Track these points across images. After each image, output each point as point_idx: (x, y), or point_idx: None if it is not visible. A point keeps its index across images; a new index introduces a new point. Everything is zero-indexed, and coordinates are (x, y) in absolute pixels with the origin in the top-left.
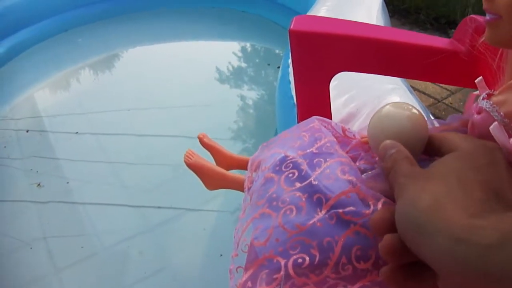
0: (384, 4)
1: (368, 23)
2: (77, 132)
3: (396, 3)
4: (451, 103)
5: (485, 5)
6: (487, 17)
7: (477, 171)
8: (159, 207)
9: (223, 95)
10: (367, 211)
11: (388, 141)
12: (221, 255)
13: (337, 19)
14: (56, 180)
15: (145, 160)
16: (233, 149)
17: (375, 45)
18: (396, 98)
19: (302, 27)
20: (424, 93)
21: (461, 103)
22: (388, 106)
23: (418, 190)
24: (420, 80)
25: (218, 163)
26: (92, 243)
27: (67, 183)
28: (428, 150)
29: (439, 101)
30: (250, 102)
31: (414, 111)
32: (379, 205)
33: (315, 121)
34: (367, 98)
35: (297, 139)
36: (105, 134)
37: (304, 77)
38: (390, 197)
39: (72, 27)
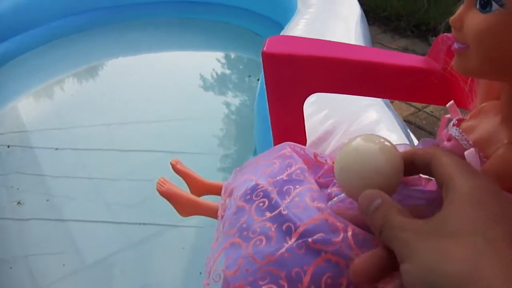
0: (363, 15)
1: (343, 43)
2: (57, 148)
3: (377, 11)
4: (431, 112)
5: (453, 34)
6: (456, 45)
7: (498, 225)
8: (140, 224)
9: (206, 107)
10: (337, 239)
11: (369, 191)
12: (200, 273)
13: (311, 39)
14: (36, 197)
15: (127, 176)
16: (214, 163)
17: (348, 66)
18: (373, 114)
19: (275, 49)
20: (405, 102)
21: (442, 112)
22: (358, 140)
23: (439, 252)
24: (396, 99)
25: (191, 189)
26: (74, 261)
27: (47, 200)
28: (410, 170)
29: (419, 110)
30: (233, 115)
31: (387, 143)
32: (349, 233)
33: (286, 148)
34: (344, 115)
35: (268, 166)
36: (86, 150)
37: (278, 98)
38: (359, 224)
39: (54, 39)
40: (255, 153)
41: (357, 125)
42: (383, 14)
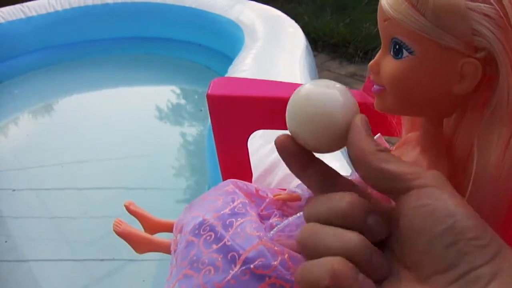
0: (309, 46)
1: (282, 82)
2: (14, 190)
3: (325, 39)
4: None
5: (371, 77)
6: (375, 87)
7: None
8: (101, 260)
9: (161, 142)
10: (275, 262)
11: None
12: None
13: (252, 79)
14: None
15: (85, 214)
16: (171, 198)
17: (287, 104)
18: None
19: (219, 91)
20: None
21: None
22: (307, 85)
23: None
24: None
25: (145, 228)
26: None
27: (6, 242)
28: None
29: None
30: (188, 148)
31: (339, 85)
32: (286, 255)
33: (229, 184)
34: None
35: (213, 202)
36: (44, 189)
37: (223, 136)
38: (296, 250)
39: (8, 78)
40: (209, 186)
41: None
42: (331, 41)
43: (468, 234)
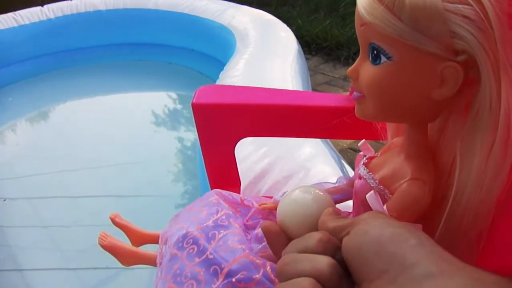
0: (301, 50)
1: (270, 88)
2: (5, 199)
3: (319, 42)
4: None
5: (351, 84)
6: (354, 94)
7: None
8: (95, 268)
9: (155, 149)
10: (257, 275)
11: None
12: None
13: (239, 87)
14: None
15: (79, 222)
16: (169, 204)
17: (274, 111)
18: (308, 150)
19: (204, 100)
20: None
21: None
22: (296, 191)
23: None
24: (323, 138)
25: (131, 240)
26: None
27: None
28: None
29: None
30: (181, 155)
31: (320, 193)
32: (268, 268)
33: (214, 195)
34: (280, 152)
35: (197, 214)
36: (36, 198)
37: (210, 144)
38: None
39: (2, 86)
40: (201, 193)
41: (292, 161)
42: (325, 44)
43: (397, 238)
